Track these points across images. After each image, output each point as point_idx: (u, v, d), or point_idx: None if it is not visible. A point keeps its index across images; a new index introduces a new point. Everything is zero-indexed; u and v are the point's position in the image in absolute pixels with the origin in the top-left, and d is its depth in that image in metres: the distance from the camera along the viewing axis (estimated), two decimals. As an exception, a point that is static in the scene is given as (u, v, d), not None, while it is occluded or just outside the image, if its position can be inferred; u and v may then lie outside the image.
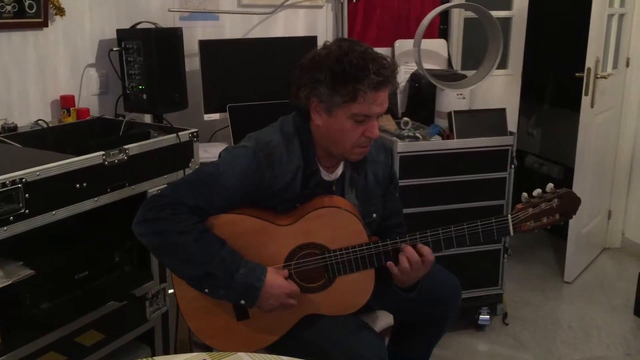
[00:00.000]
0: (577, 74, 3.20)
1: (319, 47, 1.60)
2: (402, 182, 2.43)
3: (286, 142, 1.62)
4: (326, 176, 1.70)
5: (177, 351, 2.32)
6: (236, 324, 1.64)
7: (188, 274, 1.56)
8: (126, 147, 1.97)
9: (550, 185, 1.62)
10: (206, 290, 1.55)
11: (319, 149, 1.66)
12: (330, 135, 1.60)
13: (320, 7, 3.13)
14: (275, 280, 1.56)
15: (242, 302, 1.55)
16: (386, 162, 1.81)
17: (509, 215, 1.62)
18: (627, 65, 3.59)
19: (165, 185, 1.65)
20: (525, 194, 1.63)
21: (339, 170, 1.73)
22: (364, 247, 1.62)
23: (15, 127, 2.21)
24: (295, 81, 1.60)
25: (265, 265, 1.58)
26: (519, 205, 1.62)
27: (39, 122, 2.27)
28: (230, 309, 1.63)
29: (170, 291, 2.18)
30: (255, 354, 1.66)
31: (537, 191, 1.62)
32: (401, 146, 2.51)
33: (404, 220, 1.89)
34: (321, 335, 1.60)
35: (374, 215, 1.78)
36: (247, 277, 1.53)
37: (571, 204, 1.62)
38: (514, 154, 2.68)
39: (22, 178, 1.64)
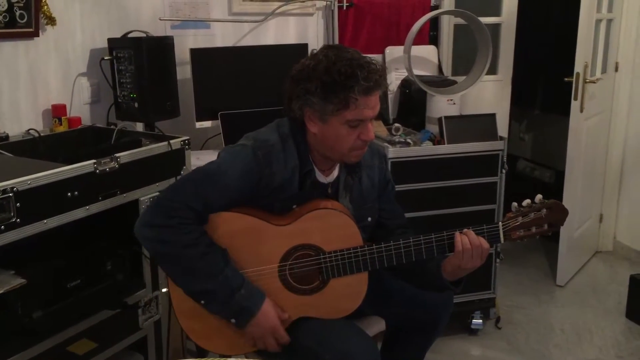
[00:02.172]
0: (566, 79, 3.23)
1: (306, 57, 1.62)
2: (394, 188, 2.44)
3: (282, 142, 1.65)
4: (321, 178, 1.72)
5: (170, 359, 2.32)
6: (228, 325, 1.64)
7: (187, 286, 1.58)
8: (118, 155, 1.97)
9: (539, 197, 1.65)
10: (202, 302, 1.57)
11: (314, 152, 1.68)
12: (326, 141, 1.62)
13: (311, 14, 3.15)
14: (270, 312, 1.58)
15: (233, 321, 1.57)
16: (381, 166, 1.83)
17: (500, 223, 1.64)
18: (616, 69, 3.62)
19: (169, 186, 1.66)
20: (515, 204, 1.65)
21: (335, 173, 1.75)
22: (359, 250, 1.63)
23: (6, 137, 2.21)
24: (286, 93, 1.63)
25: (263, 264, 1.60)
26: (509, 214, 1.65)
27: (31, 131, 2.28)
28: None
29: (164, 290, 2.18)
30: (247, 359, 1.67)
31: (527, 201, 1.65)
32: (392, 152, 2.53)
33: (408, 222, 1.89)
34: (314, 338, 1.61)
35: (369, 219, 1.79)
36: (246, 299, 1.55)
37: (559, 215, 1.66)
38: (505, 158, 2.70)
39: (13, 187, 1.64)
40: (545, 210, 1.64)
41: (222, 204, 1.59)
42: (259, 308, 1.56)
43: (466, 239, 1.60)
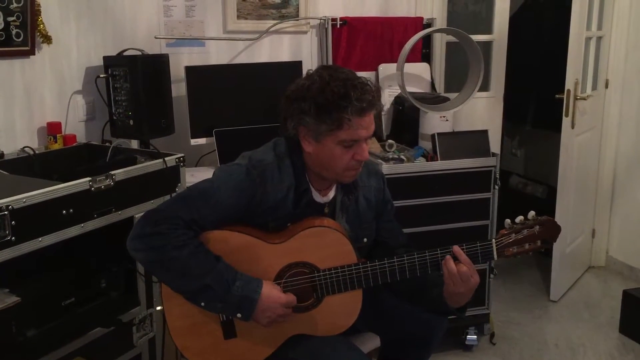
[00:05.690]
0: (557, 96, 3.26)
1: (302, 77, 1.64)
2: (388, 204, 2.45)
3: (278, 161, 1.66)
4: (318, 198, 1.73)
5: (164, 377, 2.31)
6: (223, 343, 1.64)
7: (185, 288, 1.56)
8: (113, 172, 1.98)
9: (531, 213, 1.66)
10: (202, 304, 1.55)
11: (311, 172, 1.69)
12: (321, 160, 1.63)
13: (305, 32, 3.18)
14: (271, 292, 1.57)
15: (239, 315, 1.56)
16: (378, 186, 1.84)
17: (493, 240, 1.64)
18: (607, 86, 3.66)
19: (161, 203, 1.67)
20: (508, 220, 1.66)
21: (331, 193, 1.76)
22: (353, 268, 1.64)
23: (1, 155, 2.22)
24: (281, 112, 1.64)
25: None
26: (503, 231, 1.65)
27: (26, 149, 2.28)
28: (217, 327, 1.64)
29: (159, 308, 2.17)
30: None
31: (520, 218, 1.66)
32: (386, 168, 2.54)
33: (409, 240, 1.90)
34: (308, 355, 1.61)
35: (365, 240, 1.80)
36: (244, 289, 1.54)
37: (552, 231, 1.67)
38: (497, 174, 2.72)
39: (9, 205, 1.65)
40: (538, 227, 1.65)
41: (213, 221, 1.60)
42: (259, 294, 1.54)
43: (451, 265, 1.60)
